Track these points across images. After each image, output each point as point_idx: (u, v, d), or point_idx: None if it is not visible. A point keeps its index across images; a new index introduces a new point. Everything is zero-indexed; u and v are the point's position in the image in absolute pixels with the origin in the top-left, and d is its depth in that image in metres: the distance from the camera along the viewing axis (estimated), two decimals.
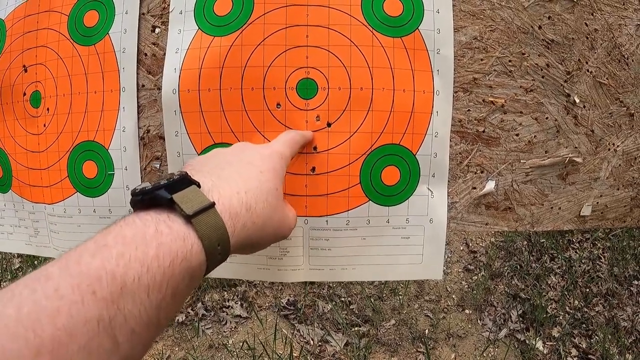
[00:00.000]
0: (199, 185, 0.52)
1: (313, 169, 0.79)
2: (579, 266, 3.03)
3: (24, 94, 0.92)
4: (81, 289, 0.36)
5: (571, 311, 2.73)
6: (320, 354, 2.49)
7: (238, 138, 0.80)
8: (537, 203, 0.86)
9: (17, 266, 3.03)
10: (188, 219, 0.46)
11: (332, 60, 0.78)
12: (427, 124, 0.80)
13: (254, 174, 0.59)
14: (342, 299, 2.80)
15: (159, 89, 0.84)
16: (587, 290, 2.88)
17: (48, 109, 0.90)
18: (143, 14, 0.86)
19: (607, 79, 0.84)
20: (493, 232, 3.15)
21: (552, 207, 0.86)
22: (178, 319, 2.66)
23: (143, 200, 0.47)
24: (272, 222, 0.60)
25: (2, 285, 2.81)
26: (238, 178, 0.57)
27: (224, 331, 2.63)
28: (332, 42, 0.78)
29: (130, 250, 0.40)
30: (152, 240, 0.42)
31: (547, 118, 0.83)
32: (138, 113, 0.86)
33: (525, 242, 3.20)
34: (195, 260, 0.45)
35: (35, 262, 2.92)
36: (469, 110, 0.82)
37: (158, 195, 0.46)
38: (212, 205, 0.49)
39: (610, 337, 2.55)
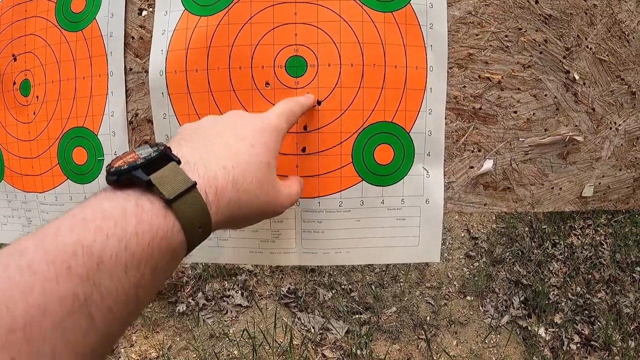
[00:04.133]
0: (179, 162, 0.48)
1: (304, 149, 0.78)
2: (581, 252, 3.03)
3: (14, 83, 0.91)
4: (56, 265, 0.35)
5: (573, 297, 2.73)
6: (321, 341, 2.49)
7: None
8: (537, 183, 0.84)
9: None
10: (168, 203, 0.43)
11: (322, 36, 0.76)
12: (421, 101, 0.78)
13: (244, 147, 0.56)
14: (343, 287, 2.80)
15: (147, 72, 0.82)
16: (590, 276, 2.87)
17: (37, 97, 0.89)
18: None
19: (607, 55, 0.82)
20: (492, 213, 3.14)
21: (552, 188, 0.85)
22: (179, 309, 2.67)
23: (119, 181, 0.44)
24: (259, 198, 0.56)
25: None
26: (226, 151, 0.54)
27: (225, 320, 2.63)
28: (320, 19, 0.76)
29: (109, 225, 0.38)
30: (132, 217, 0.40)
31: (546, 95, 0.82)
32: (126, 97, 0.85)
33: (527, 228, 3.19)
34: (175, 239, 0.43)
35: None
36: (464, 86, 0.80)
37: (134, 176, 0.43)
38: (194, 186, 0.46)
39: (612, 323, 2.54)
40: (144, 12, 0.84)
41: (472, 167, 0.83)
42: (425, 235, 0.82)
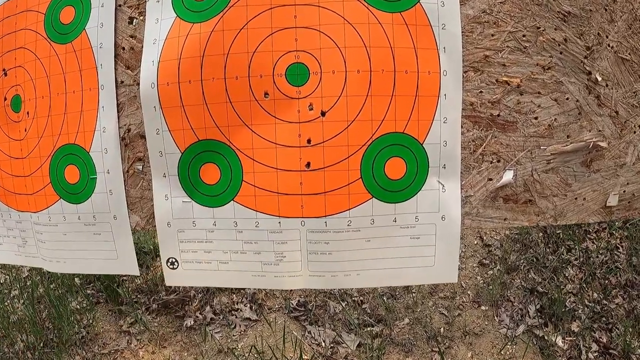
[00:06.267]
0: None
1: (308, 165, 0.73)
2: (597, 257, 2.99)
3: (5, 99, 0.88)
4: None
5: (590, 304, 2.69)
6: (332, 356, 2.46)
7: (223, 133, 0.74)
8: (559, 194, 0.80)
9: (26, 274, 3.03)
10: None
11: (324, 41, 0.72)
12: (435, 109, 0.73)
13: None
14: (354, 299, 2.77)
15: (138, 84, 0.78)
16: (606, 282, 2.83)
17: (28, 113, 0.86)
18: (119, 5, 0.81)
19: (629, 54, 0.78)
20: (512, 228, 3.11)
21: (576, 198, 0.80)
22: (186, 324, 2.65)
23: None
24: None
25: (10, 294, 2.78)
26: None
27: (233, 335, 2.61)
28: (323, 21, 0.72)
29: None
30: None
31: (567, 99, 0.77)
32: (118, 112, 0.81)
33: (541, 234, 3.15)
34: None
35: (43, 270, 2.92)
36: (481, 91, 0.76)
37: None
38: None
39: (631, 330, 2.50)
40: (135, 21, 0.80)
41: (491, 179, 0.78)
42: (441, 255, 0.77)
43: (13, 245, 0.96)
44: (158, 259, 2.98)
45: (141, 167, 0.82)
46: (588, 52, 0.77)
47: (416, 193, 0.75)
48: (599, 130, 0.79)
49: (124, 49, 0.81)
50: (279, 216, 0.75)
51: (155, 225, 0.82)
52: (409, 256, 0.77)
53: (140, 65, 0.78)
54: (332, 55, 0.72)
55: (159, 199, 0.80)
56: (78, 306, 2.70)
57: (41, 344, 2.44)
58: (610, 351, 2.44)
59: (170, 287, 2.82)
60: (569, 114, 0.77)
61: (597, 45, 0.77)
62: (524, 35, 0.75)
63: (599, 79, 0.77)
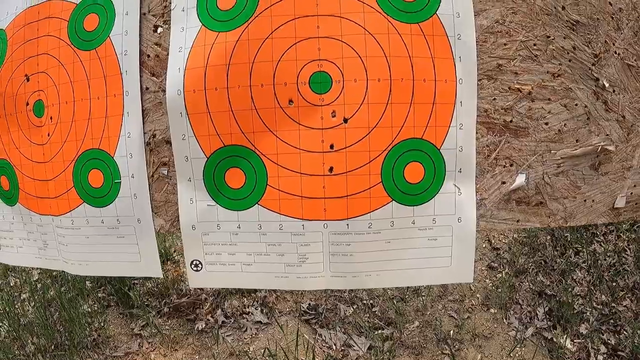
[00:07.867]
0: None
1: (331, 169, 0.75)
2: (605, 260, 2.97)
3: (27, 104, 0.90)
4: None
5: (599, 307, 2.68)
6: (343, 358, 2.45)
7: (249, 139, 0.76)
8: (569, 196, 0.81)
9: (36, 277, 3.03)
10: None
11: (346, 50, 0.74)
12: (451, 115, 0.75)
13: None
14: (364, 302, 2.76)
15: (164, 91, 0.80)
16: (614, 284, 2.82)
17: (51, 118, 0.87)
18: (144, 13, 0.83)
19: (635, 60, 0.80)
20: (524, 229, 3.10)
21: (585, 200, 0.82)
22: (197, 327, 2.65)
23: None
24: None
25: (21, 297, 2.80)
26: None
27: (245, 338, 2.60)
28: (345, 32, 0.74)
29: None
30: None
31: (576, 104, 0.79)
32: (143, 117, 0.83)
33: (549, 237, 3.14)
34: None
35: (54, 274, 2.92)
36: (494, 99, 0.78)
37: None
38: None
39: (639, 332, 2.49)
40: (160, 29, 0.82)
41: (504, 183, 0.80)
42: (457, 256, 0.79)
43: (33, 248, 0.98)
44: (169, 262, 2.99)
45: (166, 171, 0.84)
46: (596, 60, 0.79)
47: (434, 196, 0.77)
48: (607, 135, 0.80)
49: (149, 56, 0.82)
50: (302, 219, 0.77)
51: (179, 228, 0.83)
52: (427, 257, 0.79)
53: (165, 72, 0.79)
54: (353, 64, 0.73)
55: (184, 202, 0.82)
56: (89, 309, 2.70)
57: (52, 347, 2.45)
58: (619, 353, 2.43)
59: (182, 290, 2.82)
60: (577, 119, 0.79)
61: (605, 52, 0.79)
62: (534, 44, 0.77)
63: (606, 85, 0.79)
